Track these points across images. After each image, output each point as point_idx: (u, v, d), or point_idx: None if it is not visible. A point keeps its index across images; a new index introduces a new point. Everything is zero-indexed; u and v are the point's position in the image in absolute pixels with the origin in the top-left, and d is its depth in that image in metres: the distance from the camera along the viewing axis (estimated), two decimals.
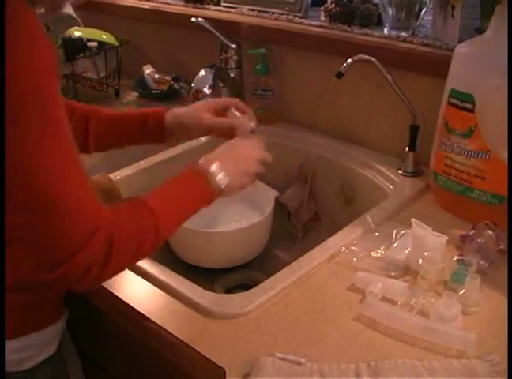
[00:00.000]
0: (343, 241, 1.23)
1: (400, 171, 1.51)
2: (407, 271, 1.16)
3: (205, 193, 1.06)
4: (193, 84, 1.63)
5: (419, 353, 0.98)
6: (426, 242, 1.13)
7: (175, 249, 1.55)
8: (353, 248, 1.19)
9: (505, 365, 0.94)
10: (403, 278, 1.14)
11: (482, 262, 1.15)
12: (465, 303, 1.06)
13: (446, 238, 1.14)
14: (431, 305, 1.05)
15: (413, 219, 1.18)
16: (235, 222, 1.58)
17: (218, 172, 1.07)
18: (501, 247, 1.19)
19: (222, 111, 1.29)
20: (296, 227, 1.65)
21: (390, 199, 1.40)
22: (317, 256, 1.19)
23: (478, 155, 1.27)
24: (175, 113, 1.29)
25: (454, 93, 1.30)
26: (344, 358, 0.96)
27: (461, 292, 1.06)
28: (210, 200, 1.07)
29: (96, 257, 0.86)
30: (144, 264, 1.16)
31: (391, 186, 1.47)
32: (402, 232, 1.23)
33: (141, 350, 1.16)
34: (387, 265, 1.16)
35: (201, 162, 1.08)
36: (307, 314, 1.06)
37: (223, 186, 1.07)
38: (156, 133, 1.29)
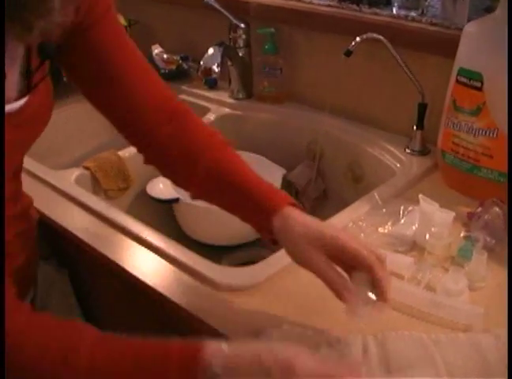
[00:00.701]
0: (350, 217, 1.24)
1: (407, 150, 1.51)
2: (414, 247, 1.17)
3: None
4: (201, 62, 1.63)
5: (425, 326, 0.99)
6: (433, 217, 1.14)
7: (182, 226, 1.56)
8: (360, 223, 1.20)
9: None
10: (410, 253, 1.15)
11: (489, 239, 1.15)
12: (472, 278, 1.06)
13: (453, 213, 1.15)
14: (438, 280, 1.05)
15: (421, 195, 1.18)
16: None
17: None
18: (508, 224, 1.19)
19: (347, 261, 0.90)
20: (304, 205, 1.66)
21: (398, 177, 1.41)
22: None
23: (486, 133, 1.27)
24: (284, 227, 0.91)
25: (463, 71, 1.30)
26: (351, 329, 0.96)
27: (467, 267, 1.07)
28: None
29: None
30: (152, 237, 1.17)
31: (398, 165, 1.47)
32: (409, 208, 1.24)
33: (145, 319, 1.17)
34: (394, 241, 1.17)
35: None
36: (315, 288, 1.05)
37: None
38: (261, 230, 0.99)
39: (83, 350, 0.77)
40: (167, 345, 0.77)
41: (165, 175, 1.08)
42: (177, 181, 1.08)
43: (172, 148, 1.02)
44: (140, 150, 1.07)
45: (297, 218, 0.91)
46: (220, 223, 1.45)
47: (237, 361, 0.76)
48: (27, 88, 0.89)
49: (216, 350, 0.76)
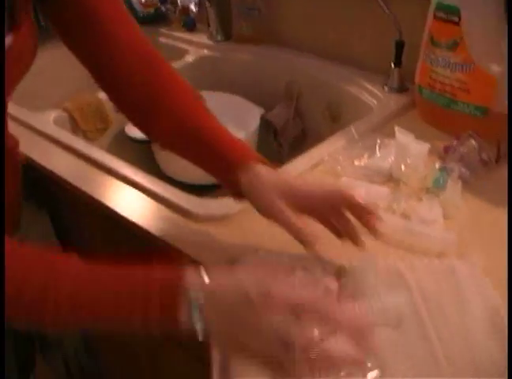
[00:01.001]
0: (327, 150, 1.24)
1: (385, 88, 1.51)
2: (390, 178, 1.18)
3: (154, 323, 0.75)
4: (179, 1, 1.61)
5: (400, 253, 1.00)
6: (408, 149, 1.15)
7: (161, 166, 1.56)
8: (336, 156, 1.21)
9: (484, 265, 0.96)
10: (386, 185, 1.16)
11: (464, 170, 1.16)
12: (446, 207, 1.08)
13: (428, 145, 1.16)
14: (413, 209, 1.07)
15: (396, 127, 1.19)
16: None
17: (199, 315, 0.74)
18: (483, 157, 1.20)
19: (317, 208, 0.92)
20: (282, 145, 1.66)
21: (375, 113, 1.41)
22: (301, 164, 1.20)
23: (462, 68, 1.27)
24: (249, 179, 0.92)
25: (440, 6, 1.29)
26: (326, 256, 0.97)
27: (442, 196, 1.08)
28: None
29: None
30: (130, 172, 1.17)
31: (376, 102, 1.48)
32: (386, 142, 1.24)
33: (126, 255, 1.17)
34: (370, 173, 1.17)
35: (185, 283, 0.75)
36: None
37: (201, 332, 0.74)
38: (227, 184, 0.98)
39: (64, 280, 0.77)
40: (148, 276, 0.77)
41: (135, 124, 1.07)
42: (145, 131, 1.07)
43: (143, 97, 1.01)
44: (111, 98, 1.06)
45: (264, 172, 0.91)
46: None
47: (218, 289, 0.76)
48: (10, 25, 0.88)
49: (196, 279, 0.76)
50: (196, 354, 1.12)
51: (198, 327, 0.73)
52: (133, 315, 0.74)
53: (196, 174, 1.49)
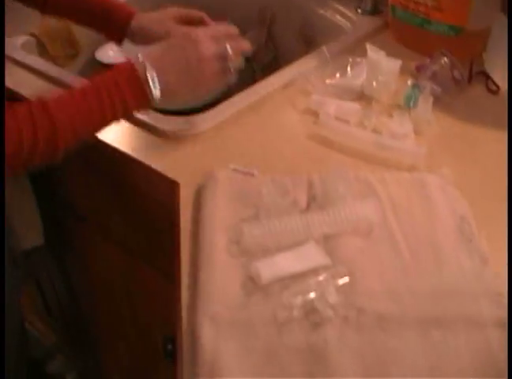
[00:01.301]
0: (298, 70, 1.23)
1: (359, 10, 1.49)
2: (361, 97, 1.17)
3: (130, 100, 0.90)
4: None
5: (371, 167, 1.00)
6: (380, 66, 1.14)
7: None
8: (308, 76, 1.19)
9: (454, 178, 0.97)
10: (357, 103, 1.14)
11: (436, 88, 1.16)
12: (417, 123, 1.07)
13: (400, 61, 1.15)
14: (384, 124, 1.06)
15: (368, 45, 1.18)
16: None
17: (151, 73, 0.90)
18: (455, 75, 1.20)
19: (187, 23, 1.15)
20: (255, 70, 1.64)
21: (348, 35, 1.39)
22: (272, 83, 1.19)
23: None
24: (140, 20, 1.14)
25: None
26: (297, 171, 0.97)
27: (413, 112, 1.08)
28: (135, 109, 0.93)
29: None
30: None
31: (349, 25, 1.45)
32: (358, 61, 1.23)
33: (98, 176, 1.17)
34: (342, 91, 1.16)
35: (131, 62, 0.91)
36: (262, 134, 1.07)
37: (157, 91, 0.91)
38: (117, 34, 1.17)
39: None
40: (111, 75, 0.91)
41: None
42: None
43: None
44: None
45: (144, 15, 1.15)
46: None
47: (159, 54, 0.94)
48: None
49: (143, 57, 0.91)
50: (164, 270, 1.13)
51: (157, 89, 0.90)
52: (114, 102, 0.88)
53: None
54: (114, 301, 1.47)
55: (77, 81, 1.19)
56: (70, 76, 1.24)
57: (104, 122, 0.91)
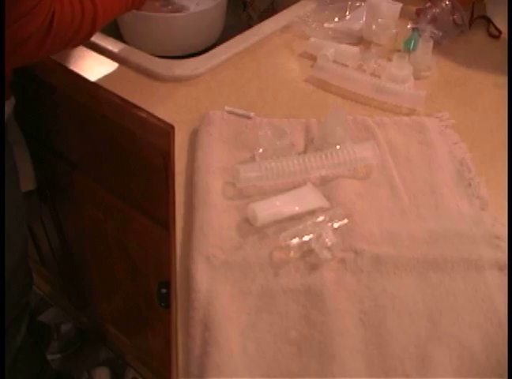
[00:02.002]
0: (296, 13, 1.20)
1: None
2: (360, 40, 1.15)
3: None
4: None
5: (369, 110, 0.98)
6: (380, 9, 1.11)
7: (126, 38, 1.50)
8: (306, 19, 1.17)
9: (453, 122, 0.95)
10: (356, 47, 1.12)
11: (436, 31, 1.13)
12: (417, 67, 1.05)
13: (400, 4, 1.12)
14: (383, 68, 1.04)
15: None
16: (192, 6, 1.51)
17: None
18: (456, 18, 1.17)
19: None
20: (252, 17, 1.60)
21: None
22: (270, 26, 1.16)
23: None
24: None
25: None
26: (294, 115, 0.95)
27: (413, 55, 1.05)
28: None
29: (37, 24, 0.84)
30: (94, 37, 1.12)
31: None
32: (357, 4, 1.20)
33: (91, 121, 1.15)
34: (340, 35, 1.14)
35: None
36: (259, 77, 1.04)
37: None
38: None
39: None
40: None
41: None
42: None
43: None
44: None
45: None
46: (165, 33, 1.39)
47: None
48: None
49: None
50: (158, 216, 1.11)
51: None
52: None
53: (164, 45, 1.45)
54: (108, 249, 1.46)
55: None
56: None
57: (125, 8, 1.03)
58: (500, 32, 1.18)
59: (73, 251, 1.66)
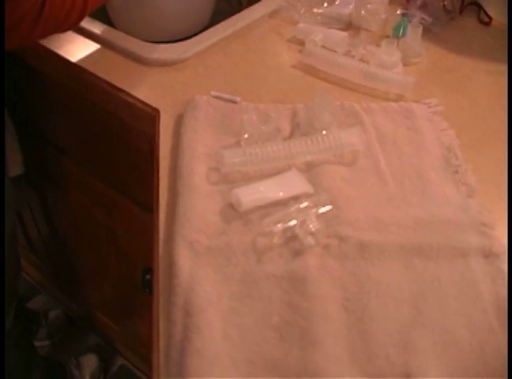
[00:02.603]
0: None
1: None
2: (350, 26, 1.14)
3: None
4: None
5: (357, 96, 0.97)
6: None
7: (115, 23, 1.49)
8: (295, 4, 1.16)
9: (442, 109, 0.94)
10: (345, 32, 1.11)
11: (426, 17, 1.12)
12: (406, 53, 1.04)
13: None
14: (372, 54, 1.03)
15: None
16: None
17: None
18: (446, 5, 1.16)
19: None
20: (242, 2, 1.59)
21: None
22: (258, 11, 1.15)
23: None
24: None
25: None
26: (282, 100, 0.95)
27: (402, 41, 1.05)
28: None
29: (29, 6, 0.83)
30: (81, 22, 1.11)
31: None
32: None
33: (78, 106, 1.13)
34: (329, 20, 1.13)
35: None
36: (247, 62, 1.04)
37: None
38: None
39: None
40: None
41: None
42: None
43: None
44: None
45: None
46: (154, 17, 1.38)
47: None
48: None
49: None
50: (144, 202, 1.11)
51: None
52: None
53: (154, 29, 1.44)
54: (96, 236, 1.46)
55: None
56: None
57: None
58: (491, 19, 1.17)
59: (61, 237, 1.65)
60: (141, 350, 1.72)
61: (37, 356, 1.60)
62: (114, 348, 1.88)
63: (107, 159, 1.19)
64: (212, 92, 0.92)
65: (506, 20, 1.16)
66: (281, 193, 0.76)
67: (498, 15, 1.16)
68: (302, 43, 1.05)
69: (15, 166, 1.28)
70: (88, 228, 1.46)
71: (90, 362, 1.80)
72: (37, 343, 1.77)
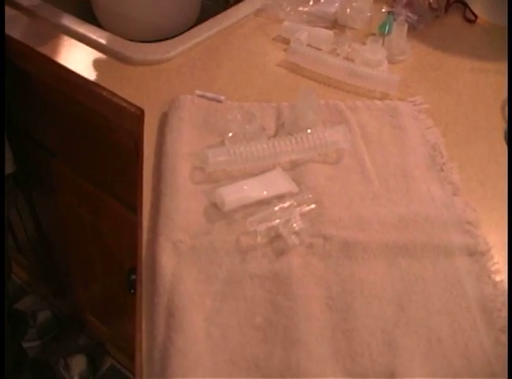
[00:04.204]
0: None
1: None
2: (335, 24, 1.14)
3: None
4: None
5: (343, 95, 0.97)
6: None
7: (101, 22, 1.48)
8: (281, 2, 1.15)
9: (427, 107, 0.94)
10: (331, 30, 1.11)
11: (411, 15, 1.12)
12: (392, 51, 1.04)
13: None
14: (357, 52, 1.03)
15: None
16: None
17: None
18: (431, 2, 1.16)
19: None
20: (229, 0, 1.59)
21: None
22: (244, 9, 1.15)
23: None
24: None
25: None
26: (267, 99, 0.94)
27: (387, 39, 1.04)
28: None
29: None
30: (67, 21, 1.11)
31: None
32: None
33: (64, 106, 1.13)
34: (315, 18, 1.13)
35: None
36: (232, 61, 1.03)
37: None
38: None
39: None
40: None
41: None
42: None
43: None
44: None
45: None
46: (140, 15, 1.37)
47: None
48: None
49: None
50: (130, 203, 1.10)
51: None
52: None
53: (141, 29, 1.43)
54: (83, 236, 1.45)
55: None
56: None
57: None
58: (476, 17, 1.17)
59: (49, 238, 1.65)
60: (130, 351, 1.72)
61: (26, 357, 1.60)
62: (103, 349, 1.88)
63: (94, 159, 1.18)
64: (197, 91, 0.92)
65: (491, 18, 1.16)
66: (265, 192, 0.76)
67: (483, 13, 1.16)
68: (287, 42, 1.05)
69: (5, 166, 1.27)
70: (76, 228, 1.45)
71: (79, 362, 1.80)
72: (26, 344, 1.76)
